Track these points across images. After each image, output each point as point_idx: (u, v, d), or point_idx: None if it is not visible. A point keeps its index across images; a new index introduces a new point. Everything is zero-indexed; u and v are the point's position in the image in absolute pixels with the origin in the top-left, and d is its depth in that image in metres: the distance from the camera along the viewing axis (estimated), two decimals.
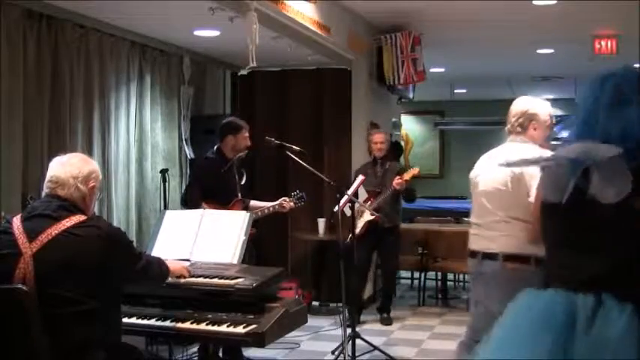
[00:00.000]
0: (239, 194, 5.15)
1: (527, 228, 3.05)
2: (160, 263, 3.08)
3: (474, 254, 3.46)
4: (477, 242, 3.47)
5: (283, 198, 5.26)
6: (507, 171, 3.29)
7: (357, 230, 5.75)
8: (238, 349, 4.66)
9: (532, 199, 2.93)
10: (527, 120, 3.43)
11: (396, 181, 6.12)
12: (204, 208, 4.65)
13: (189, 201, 4.97)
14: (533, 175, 3.04)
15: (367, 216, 6.25)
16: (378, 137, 6.50)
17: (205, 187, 4.95)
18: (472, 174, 3.60)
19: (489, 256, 3.35)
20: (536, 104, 3.49)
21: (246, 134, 5.12)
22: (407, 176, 6.20)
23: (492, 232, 3.37)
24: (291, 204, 5.26)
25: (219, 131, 5.14)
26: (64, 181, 2.74)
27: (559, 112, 13.62)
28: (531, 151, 3.24)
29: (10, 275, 2.56)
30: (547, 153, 3.02)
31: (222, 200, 4.94)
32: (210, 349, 4.16)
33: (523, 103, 3.48)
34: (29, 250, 2.58)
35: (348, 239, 5.29)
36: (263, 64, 5.54)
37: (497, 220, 3.35)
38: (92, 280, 2.60)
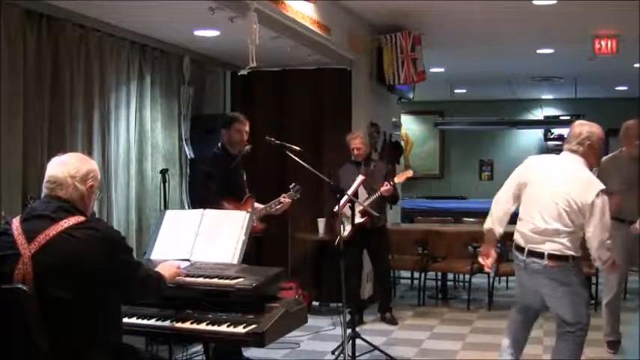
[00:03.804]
0: (247, 191, 5.15)
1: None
2: (157, 276, 3.01)
3: None
4: None
5: (283, 195, 5.24)
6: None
7: (346, 233, 5.70)
8: (238, 349, 4.66)
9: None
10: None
11: (384, 189, 6.12)
12: (224, 205, 4.65)
13: (206, 196, 4.75)
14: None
15: (356, 219, 6.16)
16: (355, 143, 6.36)
17: (218, 183, 4.93)
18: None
19: None
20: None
21: (240, 127, 5.09)
22: (398, 179, 6.18)
23: None
24: (287, 199, 5.21)
25: None
26: (62, 180, 2.72)
27: (559, 113, 13.64)
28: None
29: (9, 276, 2.56)
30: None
31: (234, 197, 4.95)
32: (211, 349, 4.16)
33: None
34: (28, 251, 2.58)
35: (337, 241, 5.24)
36: (263, 64, 5.54)
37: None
38: (91, 281, 2.59)
